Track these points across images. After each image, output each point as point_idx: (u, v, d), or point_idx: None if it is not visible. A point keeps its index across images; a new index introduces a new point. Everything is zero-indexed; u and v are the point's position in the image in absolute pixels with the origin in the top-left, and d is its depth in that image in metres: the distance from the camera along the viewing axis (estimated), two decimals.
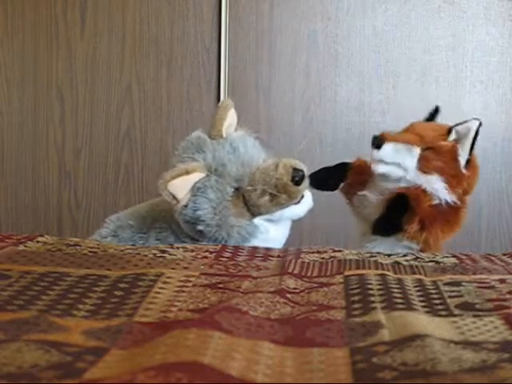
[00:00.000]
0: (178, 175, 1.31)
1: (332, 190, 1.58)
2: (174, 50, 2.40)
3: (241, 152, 1.38)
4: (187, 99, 2.41)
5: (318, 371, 0.64)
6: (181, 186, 1.32)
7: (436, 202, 1.43)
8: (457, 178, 1.44)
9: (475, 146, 1.45)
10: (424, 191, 1.43)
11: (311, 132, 2.39)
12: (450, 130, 1.45)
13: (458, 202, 1.46)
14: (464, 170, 1.44)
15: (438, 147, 1.43)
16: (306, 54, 2.39)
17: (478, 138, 1.43)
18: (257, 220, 1.37)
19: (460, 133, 1.44)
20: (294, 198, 1.34)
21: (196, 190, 1.33)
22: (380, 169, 1.44)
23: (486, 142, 2.34)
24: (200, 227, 1.33)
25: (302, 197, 1.38)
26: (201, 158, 1.36)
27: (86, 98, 2.43)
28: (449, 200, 1.43)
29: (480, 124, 1.44)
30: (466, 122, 1.45)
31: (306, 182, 1.35)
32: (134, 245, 1.38)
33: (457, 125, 1.45)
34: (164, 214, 1.43)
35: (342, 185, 1.58)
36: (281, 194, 1.32)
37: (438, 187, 1.43)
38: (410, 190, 1.43)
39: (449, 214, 1.45)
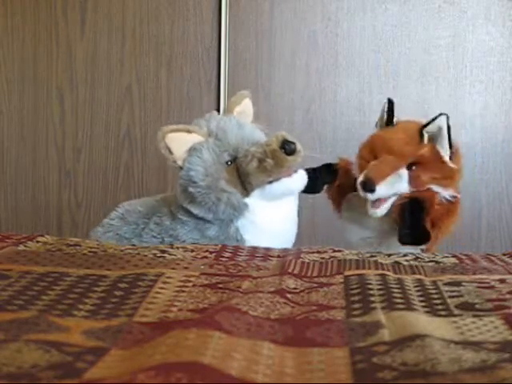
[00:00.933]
0: (178, 130, 1.38)
1: (317, 192, 1.56)
2: (174, 50, 2.40)
3: (245, 129, 1.43)
4: (187, 99, 2.41)
5: (318, 371, 0.64)
6: (177, 142, 1.37)
7: (441, 199, 1.44)
8: (450, 177, 1.45)
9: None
10: (435, 192, 1.42)
11: (311, 131, 2.39)
12: (421, 134, 1.43)
13: (458, 195, 1.46)
14: (452, 165, 1.44)
15: (421, 158, 1.42)
16: (306, 54, 2.39)
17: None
18: (249, 199, 1.38)
19: (432, 133, 1.42)
20: (280, 165, 1.34)
21: (192, 151, 1.37)
22: (379, 213, 1.43)
23: (486, 142, 2.34)
24: (191, 189, 1.36)
25: (296, 172, 1.39)
26: (204, 124, 1.42)
27: (86, 98, 2.43)
28: (449, 197, 1.44)
29: (447, 118, 1.41)
30: (433, 120, 1.43)
31: (298, 156, 1.35)
32: (135, 229, 1.44)
33: (425, 126, 1.43)
34: (168, 202, 1.45)
35: (326, 187, 1.57)
36: (268, 158, 1.33)
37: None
38: (422, 193, 1.42)
39: (450, 206, 1.45)
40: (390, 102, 1.51)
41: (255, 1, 2.38)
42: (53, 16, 2.41)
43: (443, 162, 1.43)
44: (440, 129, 1.41)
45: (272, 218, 1.40)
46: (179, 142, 1.37)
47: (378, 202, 1.42)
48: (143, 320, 0.79)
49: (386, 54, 2.38)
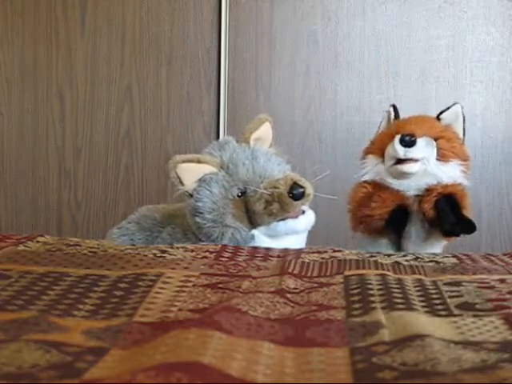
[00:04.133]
0: (189, 160, 1.36)
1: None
2: (173, 50, 2.40)
3: (259, 161, 1.40)
4: (187, 99, 2.41)
5: (318, 371, 0.64)
6: (188, 172, 1.36)
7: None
8: (468, 161, 1.47)
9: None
10: (462, 187, 1.43)
11: (311, 131, 2.40)
12: (438, 119, 1.48)
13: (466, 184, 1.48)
14: (467, 150, 1.47)
15: (445, 136, 1.44)
16: (306, 54, 2.39)
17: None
18: (255, 231, 1.37)
19: (448, 119, 1.47)
20: (286, 211, 1.33)
21: (202, 182, 1.36)
22: (414, 168, 1.41)
23: (486, 142, 2.34)
24: (197, 219, 1.36)
25: (303, 213, 1.38)
26: (218, 154, 1.40)
27: (86, 98, 2.43)
28: (466, 183, 1.45)
29: (462, 107, 1.48)
30: (447, 108, 1.48)
31: (306, 200, 1.34)
32: (149, 236, 1.45)
33: (441, 113, 1.48)
34: (184, 214, 1.45)
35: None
36: (274, 202, 1.32)
37: (456, 174, 1.43)
38: (451, 188, 1.42)
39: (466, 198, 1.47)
40: (395, 108, 1.53)
41: (255, 1, 2.38)
42: (53, 16, 2.41)
43: (463, 145, 1.47)
44: (456, 115, 1.47)
45: (275, 245, 1.39)
46: (190, 172, 1.36)
47: (408, 160, 1.41)
48: (143, 320, 0.79)
49: (386, 54, 2.38)
